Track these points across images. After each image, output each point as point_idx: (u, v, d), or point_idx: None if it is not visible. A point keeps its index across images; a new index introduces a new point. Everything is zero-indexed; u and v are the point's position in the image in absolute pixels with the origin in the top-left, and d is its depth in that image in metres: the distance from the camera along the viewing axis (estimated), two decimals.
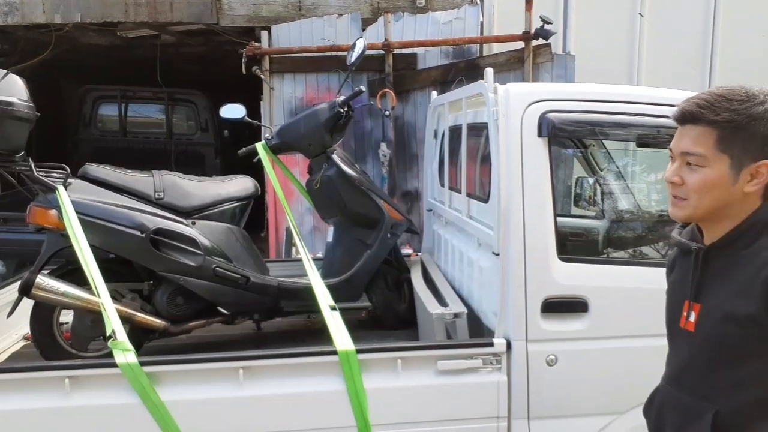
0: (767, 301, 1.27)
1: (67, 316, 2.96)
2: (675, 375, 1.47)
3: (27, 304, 2.84)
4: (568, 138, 3.12)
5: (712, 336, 1.36)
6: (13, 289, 3.08)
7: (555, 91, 2.58)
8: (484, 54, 6.18)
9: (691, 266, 1.43)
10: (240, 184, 3.27)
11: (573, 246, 3.11)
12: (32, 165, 2.73)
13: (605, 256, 3.12)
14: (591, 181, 3.22)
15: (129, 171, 3.06)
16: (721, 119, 1.32)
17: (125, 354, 2.27)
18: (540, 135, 2.41)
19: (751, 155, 1.33)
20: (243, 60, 5.83)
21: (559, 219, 2.50)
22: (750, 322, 1.29)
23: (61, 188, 2.72)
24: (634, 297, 2.40)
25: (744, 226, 1.36)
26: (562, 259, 2.42)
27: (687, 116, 1.36)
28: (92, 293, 2.60)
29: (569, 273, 2.42)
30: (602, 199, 3.27)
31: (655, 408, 1.53)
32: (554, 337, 2.42)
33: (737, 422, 1.34)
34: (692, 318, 1.41)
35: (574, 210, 3.30)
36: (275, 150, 3.46)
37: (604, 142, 3.33)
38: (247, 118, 3.69)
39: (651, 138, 2.53)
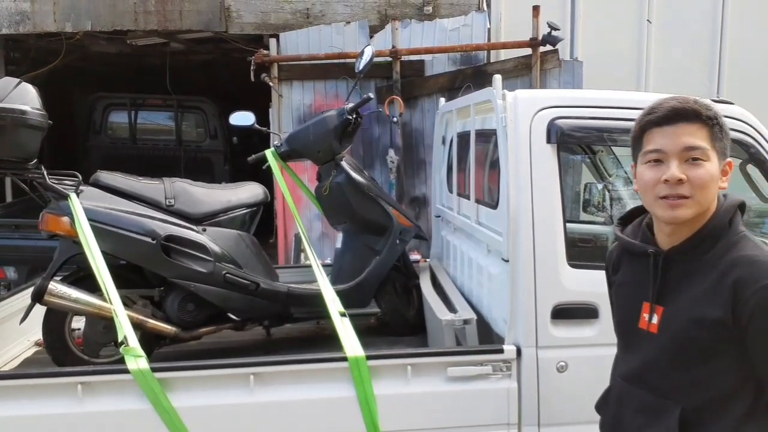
0: (734, 307, 1.32)
1: (79, 323, 2.98)
2: (635, 373, 1.50)
3: (39, 311, 2.86)
4: (577, 144, 3.13)
5: (679, 338, 1.40)
6: (25, 296, 3.11)
7: (563, 98, 2.59)
8: (492, 60, 6.19)
9: (650, 269, 1.45)
10: (250, 191, 3.29)
11: (583, 252, 3.10)
12: (45, 172, 2.76)
13: None
14: (600, 187, 3.22)
15: (140, 178, 3.09)
16: (712, 115, 1.38)
17: (137, 360, 2.28)
18: (549, 141, 2.41)
19: (723, 152, 1.40)
20: (252, 67, 5.87)
21: (568, 225, 2.51)
22: (718, 326, 1.33)
23: (73, 195, 2.75)
24: None
25: (704, 231, 1.40)
26: (571, 266, 2.42)
27: (687, 113, 1.38)
28: (104, 299, 2.62)
29: (579, 279, 2.42)
30: (611, 205, 3.27)
31: (612, 405, 1.58)
32: (564, 344, 2.41)
33: (700, 418, 1.38)
34: (654, 320, 1.44)
35: (583, 216, 3.30)
36: (284, 157, 3.48)
37: (612, 148, 3.33)
38: (256, 126, 3.71)
39: None
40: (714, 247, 1.39)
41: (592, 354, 2.43)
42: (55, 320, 2.88)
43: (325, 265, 3.37)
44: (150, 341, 2.91)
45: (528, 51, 5.82)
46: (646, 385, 1.47)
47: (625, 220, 1.60)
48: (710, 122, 1.38)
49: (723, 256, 1.37)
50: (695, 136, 1.37)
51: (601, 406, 1.64)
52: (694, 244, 1.41)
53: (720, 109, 1.42)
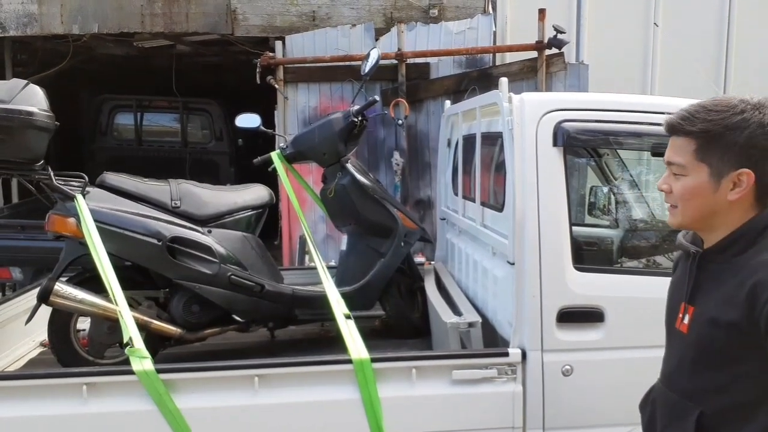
0: (750, 310, 1.30)
1: (84, 323, 2.99)
2: (667, 374, 1.52)
3: (45, 311, 2.87)
4: (583, 147, 3.12)
5: (700, 339, 1.40)
6: (31, 296, 3.12)
7: (570, 101, 2.58)
8: (497, 63, 6.18)
9: (688, 269, 1.48)
10: (255, 193, 3.29)
11: (588, 255, 3.09)
12: (51, 173, 2.76)
13: (620, 265, 3.10)
14: (606, 190, 3.21)
15: (146, 180, 3.10)
16: (698, 129, 1.37)
17: (142, 361, 2.28)
18: (555, 144, 2.41)
19: (730, 164, 1.36)
20: (257, 70, 5.88)
21: (574, 228, 2.50)
22: (733, 329, 1.32)
23: (79, 197, 2.76)
24: (650, 307, 2.35)
25: (736, 234, 1.39)
26: (577, 269, 2.42)
27: (670, 128, 1.44)
28: (109, 300, 2.63)
29: (585, 283, 2.41)
30: (617, 208, 3.26)
31: (649, 404, 1.59)
32: (570, 348, 2.41)
33: (719, 424, 1.37)
34: (686, 320, 1.46)
35: (589, 219, 3.29)
36: (290, 159, 3.48)
37: (618, 151, 3.32)
38: (261, 128, 3.72)
39: (665, 147, 2.52)
40: (747, 250, 1.38)
41: (598, 358, 2.43)
42: (61, 321, 2.89)
43: (329, 267, 3.37)
44: (155, 342, 2.92)
45: (533, 54, 5.80)
46: (674, 386, 1.48)
47: None
48: (695, 135, 1.37)
49: (752, 259, 1.35)
50: (679, 151, 1.41)
51: (642, 406, 1.65)
52: (726, 246, 1.41)
53: (742, 114, 1.34)
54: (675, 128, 1.42)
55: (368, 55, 3.59)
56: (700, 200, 1.39)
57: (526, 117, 2.41)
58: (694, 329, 1.42)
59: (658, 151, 2.58)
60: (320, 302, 2.90)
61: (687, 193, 1.40)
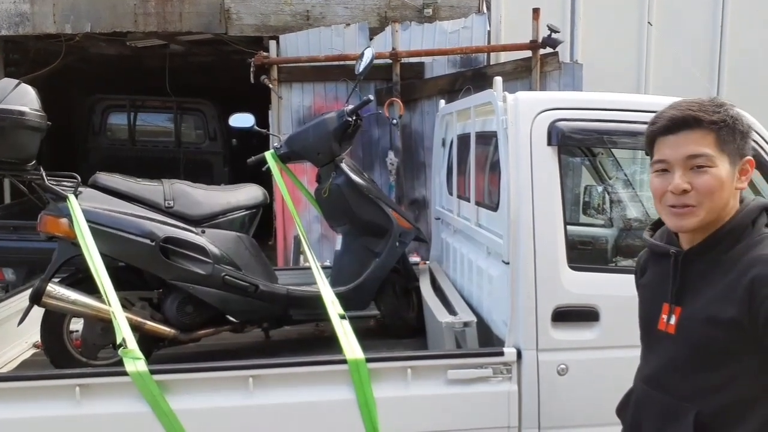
0: (750, 305, 1.29)
1: (77, 324, 2.97)
2: (654, 376, 1.49)
3: (37, 312, 2.85)
4: (578, 146, 3.12)
5: (694, 339, 1.39)
6: (23, 297, 3.09)
7: (564, 100, 2.59)
8: (492, 63, 6.20)
9: (670, 270, 1.45)
10: (249, 193, 3.28)
11: (583, 254, 3.10)
12: (43, 174, 2.75)
13: (615, 264, 3.11)
14: (600, 189, 3.21)
15: (139, 180, 3.08)
16: (717, 119, 1.36)
17: (135, 362, 2.27)
18: (549, 143, 2.41)
19: (738, 153, 1.38)
20: (251, 69, 5.87)
21: (569, 227, 2.50)
22: (733, 326, 1.32)
23: (72, 197, 2.74)
24: None
25: (723, 231, 1.39)
26: (572, 268, 2.42)
27: (687, 121, 1.37)
28: (102, 301, 2.61)
29: (580, 282, 2.42)
30: (611, 208, 3.27)
31: (631, 408, 1.56)
32: (565, 347, 2.41)
33: (718, 422, 1.36)
34: (672, 321, 1.44)
35: (584, 218, 3.30)
36: (284, 159, 3.47)
37: (613, 150, 3.32)
38: (256, 127, 3.71)
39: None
40: (734, 247, 1.37)
41: (593, 357, 2.43)
42: (54, 322, 2.87)
43: (324, 267, 3.36)
44: (148, 343, 2.89)
45: (528, 53, 5.82)
46: (664, 387, 1.45)
47: (657, 224, 1.60)
48: (714, 126, 1.36)
49: (742, 255, 1.35)
50: (699, 143, 1.36)
51: (621, 410, 1.62)
52: (712, 244, 1.40)
53: (732, 108, 1.39)
54: (696, 120, 1.36)
55: (362, 54, 3.58)
56: (725, 192, 1.37)
57: (521, 116, 2.41)
58: (686, 329, 1.41)
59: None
60: (315, 302, 2.88)
61: (716, 184, 1.35)
